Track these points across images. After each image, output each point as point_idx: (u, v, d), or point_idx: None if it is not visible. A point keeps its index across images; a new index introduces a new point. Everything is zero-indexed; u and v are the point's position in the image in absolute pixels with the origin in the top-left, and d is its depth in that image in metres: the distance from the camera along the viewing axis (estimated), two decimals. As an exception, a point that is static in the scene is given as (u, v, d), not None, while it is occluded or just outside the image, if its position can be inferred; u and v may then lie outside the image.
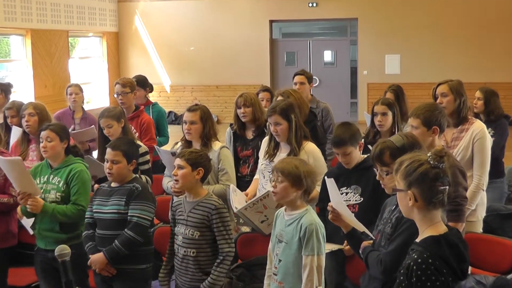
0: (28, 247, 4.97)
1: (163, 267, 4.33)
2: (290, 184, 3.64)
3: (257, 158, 5.30)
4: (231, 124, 5.81)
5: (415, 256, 2.67)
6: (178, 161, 4.14)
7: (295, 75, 6.85)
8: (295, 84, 6.74)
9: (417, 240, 2.80)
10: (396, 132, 5.22)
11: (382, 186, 3.52)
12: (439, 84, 5.01)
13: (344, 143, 4.25)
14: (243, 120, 5.61)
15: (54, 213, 4.47)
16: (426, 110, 4.28)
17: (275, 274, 3.74)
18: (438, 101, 4.89)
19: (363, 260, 3.44)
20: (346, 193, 4.30)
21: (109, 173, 4.33)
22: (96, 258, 4.26)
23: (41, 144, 4.63)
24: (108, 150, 4.37)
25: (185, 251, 4.08)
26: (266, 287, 3.90)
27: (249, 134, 5.66)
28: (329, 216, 3.56)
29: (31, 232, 4.83)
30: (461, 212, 4.18)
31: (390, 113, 5.38)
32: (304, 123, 5.15)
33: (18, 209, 4.83)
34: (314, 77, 9.38)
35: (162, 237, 4.85)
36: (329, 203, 3.56)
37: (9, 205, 4.80)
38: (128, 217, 4.24)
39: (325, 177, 3.79)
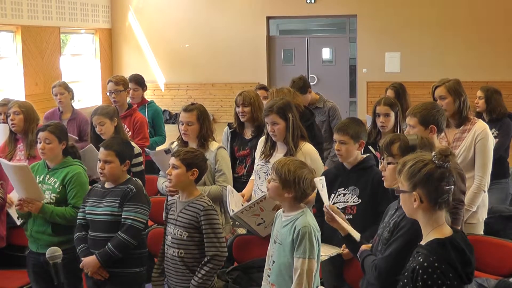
0: (18, 249, 5.02)
1: (155, 268, 4.30)
2: (281, 186, 3.63)
3: (255, 158, 5.25)
4: (229, 124, 5.75)
5: (421, 260, 2.63)
6: (173, 160, 4.10)
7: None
8: None
9: (422, 242, 2.75)
10: (398, 133, 5.19)
11: (383, 178, 3.51)
12: (436, 87, 4.94)
13: (345, 131, 4.23)
14: (241, 119, 5.56)
15: (53, 215, 4.46)
16: (423, 109, 4.29)
17: (269, 276, 3.75)
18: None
19: (360, 263, 3.42)
20: (344, 194, 4.26)
21: (101, 173, 4.30)
22: (89, 261, 4.22)
23: (39, 146, 4.61)
24: (101, 149, 4.35)
25: (173, 252, 4.05)
26: None
27: (248, 134, 5.62)
28: (325, 217, 3.58)
29: (18, 222, 4.83)
30: (457, 216, 4.09)
31: (392, 114, 5.35)
32: (300, 121, 5.09)
33: (9, 196, 4.87)
34: (311, 75, 9.13)
35: (156, 239, 4.80)
36: (324, 205, 3.56)
37: None
38: (122, 220, 4.22)
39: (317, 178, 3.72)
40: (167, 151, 4.82)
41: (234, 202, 4.64)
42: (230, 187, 4.72)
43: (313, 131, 5.56)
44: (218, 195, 4.83)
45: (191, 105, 5.03)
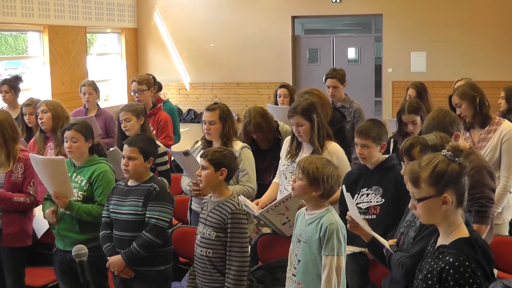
0: (45, 247, 5.01)
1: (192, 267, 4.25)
2: (308, 184, 3.61)
3: (277, 165, 5.19)
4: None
5: (451, 260, 2.59)
6: (201, 162, 4.10)
7: (326, 78, 6.61)
8: (328, 88, 6.55)
9: (444, 242, 2.70)
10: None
11: (405, 181, 3.33)
12: (450, 97, 4.94)
13: (367, 134, 4.21)
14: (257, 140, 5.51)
15: (80, 212, 4.49)
16: (439, 129, 4.05)
17: (294, 275, 3.71)
18: (457, 112, 4.78)
19: (386, 264, 3.40)
20: (367, 194, 4.25)
21: (125, 170, 4.30)
22: (115, 261, 4.25)
23: (66, 145, 4.64)
24: (125, 146, 4.36)
25: (201, 251, 4.03)
26: None
27: (262, 145, 5.56)
28: (348, 226, 3.55)
29: (38, 236, 4.97)
30: (486, 214, 4.08)
31: (418, 119, 5.27)
32: (331, 124, 5.07)
33: (36, 210, 4.91)
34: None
35: (181, 238, 4.84)
36: (348, 213, 3.52)
37: (25, 205, 4.80)
38: (146, 219, 4.22)
39: (343, 187, 3.71)
40: (185, 153, 4.80)
41: (252, 207, 4.60)
42: (242, 198, 4.63)
43: (343, 134, 5.52)
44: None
45: (214, 105, 5.04)
